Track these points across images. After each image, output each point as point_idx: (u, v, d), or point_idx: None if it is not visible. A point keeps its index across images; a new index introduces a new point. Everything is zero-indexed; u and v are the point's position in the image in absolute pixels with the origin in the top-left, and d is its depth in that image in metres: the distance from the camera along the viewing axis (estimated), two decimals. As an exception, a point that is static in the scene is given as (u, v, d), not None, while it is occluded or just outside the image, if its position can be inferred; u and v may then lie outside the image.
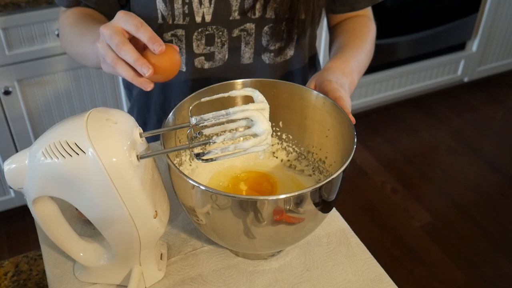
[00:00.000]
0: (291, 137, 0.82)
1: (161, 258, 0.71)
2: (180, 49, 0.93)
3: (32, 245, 1.87)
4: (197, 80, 0.95)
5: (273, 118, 0.76)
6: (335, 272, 0.72)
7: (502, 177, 2.29)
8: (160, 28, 0.90)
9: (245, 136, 0.62)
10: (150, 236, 0.63)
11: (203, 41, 0.92)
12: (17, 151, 1.78)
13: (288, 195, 0.59)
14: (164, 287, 0.69)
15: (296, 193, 0.59)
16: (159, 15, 0.89)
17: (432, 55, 2.52)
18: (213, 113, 0.61)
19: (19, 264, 0.77)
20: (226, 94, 0.65)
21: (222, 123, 0.63)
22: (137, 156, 0.59)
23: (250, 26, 0.91)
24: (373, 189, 2.22)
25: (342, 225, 0.79)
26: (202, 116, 0.61)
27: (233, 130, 0.64)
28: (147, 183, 0.61)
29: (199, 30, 0.90)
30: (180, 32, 0.91)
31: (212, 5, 0.87)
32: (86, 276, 0.69)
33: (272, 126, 0.80)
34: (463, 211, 2.11)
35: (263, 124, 0.61)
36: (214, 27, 0.90)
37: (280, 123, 0.81)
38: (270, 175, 0.80)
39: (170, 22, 0.89)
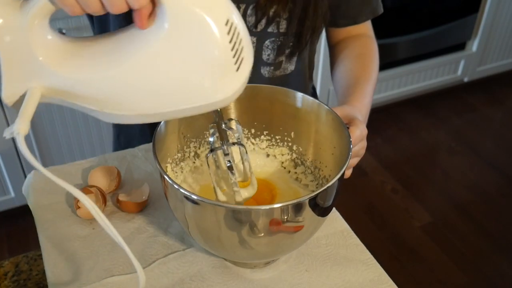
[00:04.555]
0: (301, 149, 0.80)
1: None
2: None
3: (32, 245, 1.87)
4: None
5: (285, 127, 0.78)
6: (334, 273, 0.72)
7: (502, 177, 2.29)
8: None
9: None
10: None
11: None
12: (17, 152, 1.80)
13: (281, 204, 0.58)
14: (163, 285, 0.69)
15: (289, 203, 0.58)
16: None
17: (432, 55, 2.52)
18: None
19: (19, 264, 0.77)
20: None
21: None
22: None
23: (252, 39, 0.89)
24: (373, 189, 2.22)
25: (342, 225, 0.79)
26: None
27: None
28: None
29: None
30: None
31: None
32: None
33: (283, 136, 0.80)
34: (463, 211, 2.11)
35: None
36: None
37: (292, 134, 0.80)
38: (272, 185, 0.79)
39: None
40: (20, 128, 0.50)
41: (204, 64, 0.51)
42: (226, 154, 0.66)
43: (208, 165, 0.68)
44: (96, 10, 0.50)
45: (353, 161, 0.78)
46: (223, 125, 0.66)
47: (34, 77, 0.53)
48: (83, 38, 0.56)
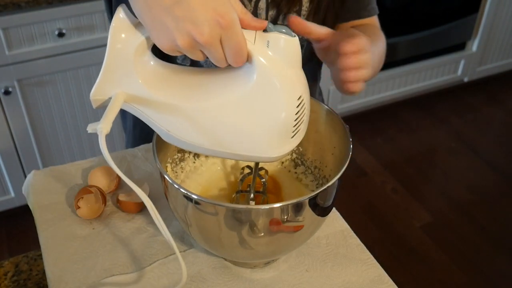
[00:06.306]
0: (301, 149, 0.80)
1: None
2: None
3: (32, 245, 1.87)
4: None
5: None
6: (334, 273, 0.72)
7: (502, 177, 2.29)
8: None
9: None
10: None
11: None
12: (17, 151, 1.80)
13: (281, 204, 0.58)
14: (163, 285, 0.69)
15: (289, 202, 0.58)
16: None
17: (432, 55, 2.52)
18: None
19: (19, 264, 0.77)
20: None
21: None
22: None
23: None
24: (373, 189, 2.22)
25: (342, 225, 0.79)
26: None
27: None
28: None
29: None
30: None
31: None
32: None
33: None
34: (463, 211, 2.11)
35: None
36: None
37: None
38: (276, 181, 0.79)
39: None
40: (103, 127, 0.55)
41: (269, 123, 0.59)
42: (251, 199, 0.71)
43: (232, 200, 0.74)
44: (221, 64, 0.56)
45: (354, 74, 0.70)
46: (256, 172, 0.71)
47: (126, 86, 0.59)
48: (177, 66, 0.63)
